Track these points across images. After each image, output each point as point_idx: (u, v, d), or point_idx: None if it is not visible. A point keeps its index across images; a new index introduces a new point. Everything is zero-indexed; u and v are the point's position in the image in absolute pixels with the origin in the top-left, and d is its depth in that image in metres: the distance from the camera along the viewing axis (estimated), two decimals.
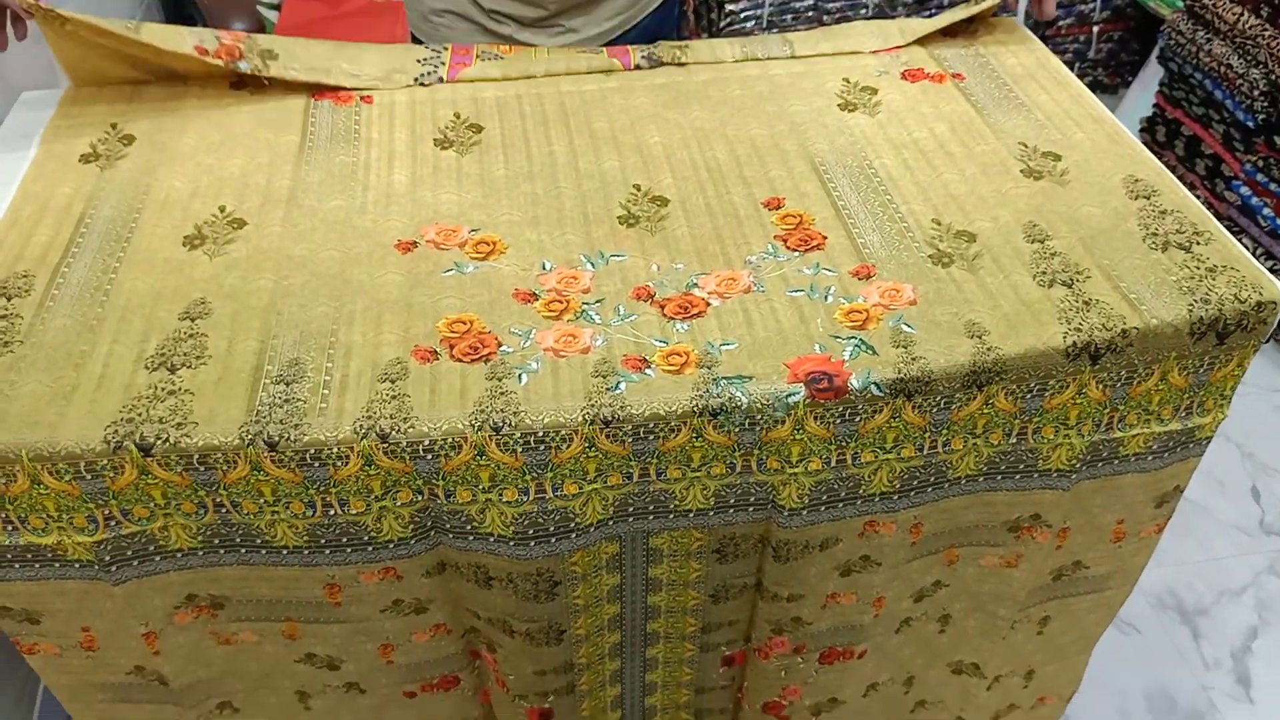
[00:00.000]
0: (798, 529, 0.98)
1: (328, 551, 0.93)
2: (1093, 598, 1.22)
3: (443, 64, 1.30)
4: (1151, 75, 2.82)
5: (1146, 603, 1.97)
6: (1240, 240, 2.31)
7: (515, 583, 0.96)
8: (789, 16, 2.86)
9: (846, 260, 1.03)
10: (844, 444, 0.93)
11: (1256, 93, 2.10)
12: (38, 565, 0.92)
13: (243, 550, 0.94)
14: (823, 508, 0.97)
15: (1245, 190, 2.20)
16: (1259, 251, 2.30)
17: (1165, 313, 0.97)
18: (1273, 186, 2.17)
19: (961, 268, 1.03)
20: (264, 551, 0.94)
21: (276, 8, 2.69)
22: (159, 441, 0.87)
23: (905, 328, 0.96)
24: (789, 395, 0.90)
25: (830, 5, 2.87)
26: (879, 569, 1.06)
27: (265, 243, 1.05)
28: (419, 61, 1.30)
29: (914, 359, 0.93)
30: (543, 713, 1.13)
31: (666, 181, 1.14)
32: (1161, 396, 1.02)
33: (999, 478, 1.03)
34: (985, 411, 0.96)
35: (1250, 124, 2.15)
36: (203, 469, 0.87)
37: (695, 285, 1.01)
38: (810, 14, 2.87)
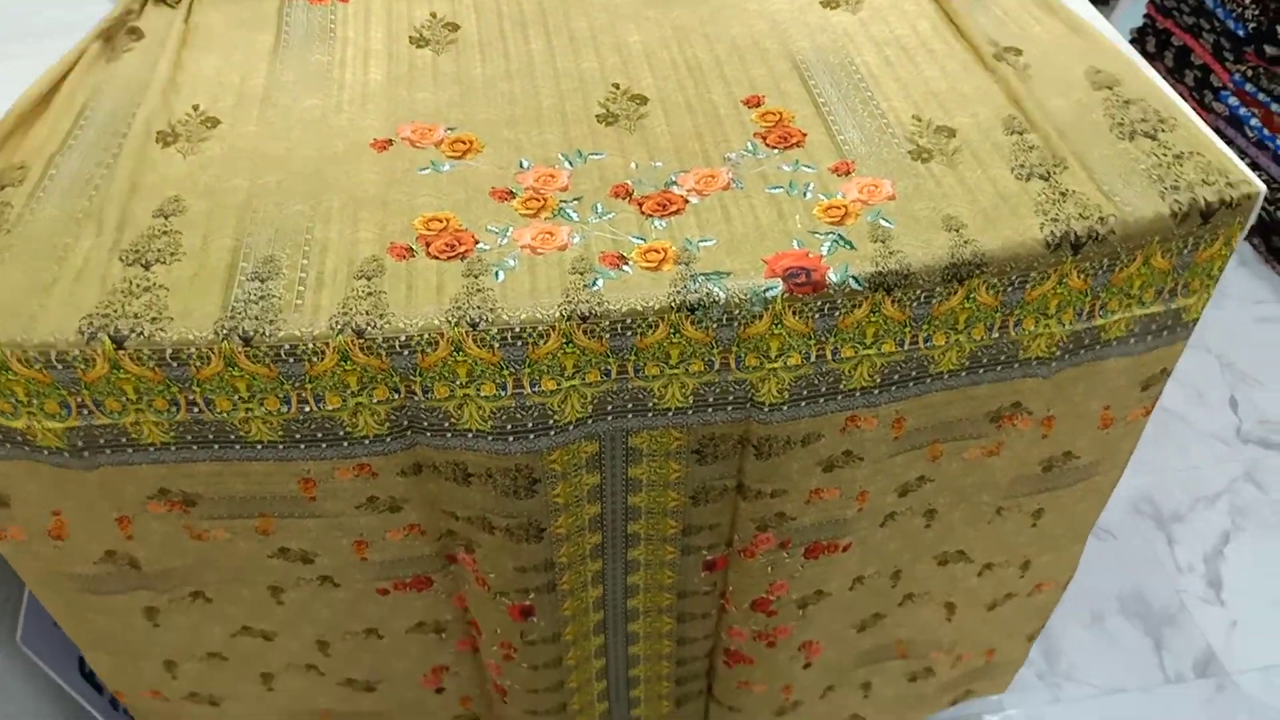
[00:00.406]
0: (778, 424, 0.97)
1: (303, 446, 0.93)
2: (1082, 486, 1.23)
3: None
4: None
5: (1123, 509, 2.01)
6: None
7: (494, 478, 0.96)
8: None
9: (826, 157, 1.02)
10: (823, 339, 0.93)
11: (1248, 0, 2.08)
12: (9, 446, 0.92)
13: (216, 446, 0.93)
14: (803, 403, 0.97)
15: (1234, 101, 2.19)
16: (1246, 162, 2.29)
17: (1139, 201, 0.97)
18: (1260, 96, 2.16)
19: (941, 163, 1.02)
20: (238, 447, 0.94)
21: None
22: (133, 335, 0.87)
23: (884, 222, 0.96)
24: (767, 290, 0.90)
25: None
26: (861, 464, 1.06)
27: (241, 142, 1.04)
28: None
29: (892, 253, 0.93)
30: (524, 609, 1.13)
31: (646, 81, 1.12)
32: (1144, 280, 1.02)
33: (981, 371, 1.03)
34: (967, 306, 0.96)
35: (1240, 33, 2.14)
36: (175, 364, 0.87)
37: (674, 183, 1.00)
38: None
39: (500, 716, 1.37)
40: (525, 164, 1.02)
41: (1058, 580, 1.41)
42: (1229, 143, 2.41)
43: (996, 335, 1.00)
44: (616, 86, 1.13)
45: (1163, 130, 1.06)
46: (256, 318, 0.88)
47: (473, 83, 1.13)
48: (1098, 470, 1.21)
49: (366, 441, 0.94)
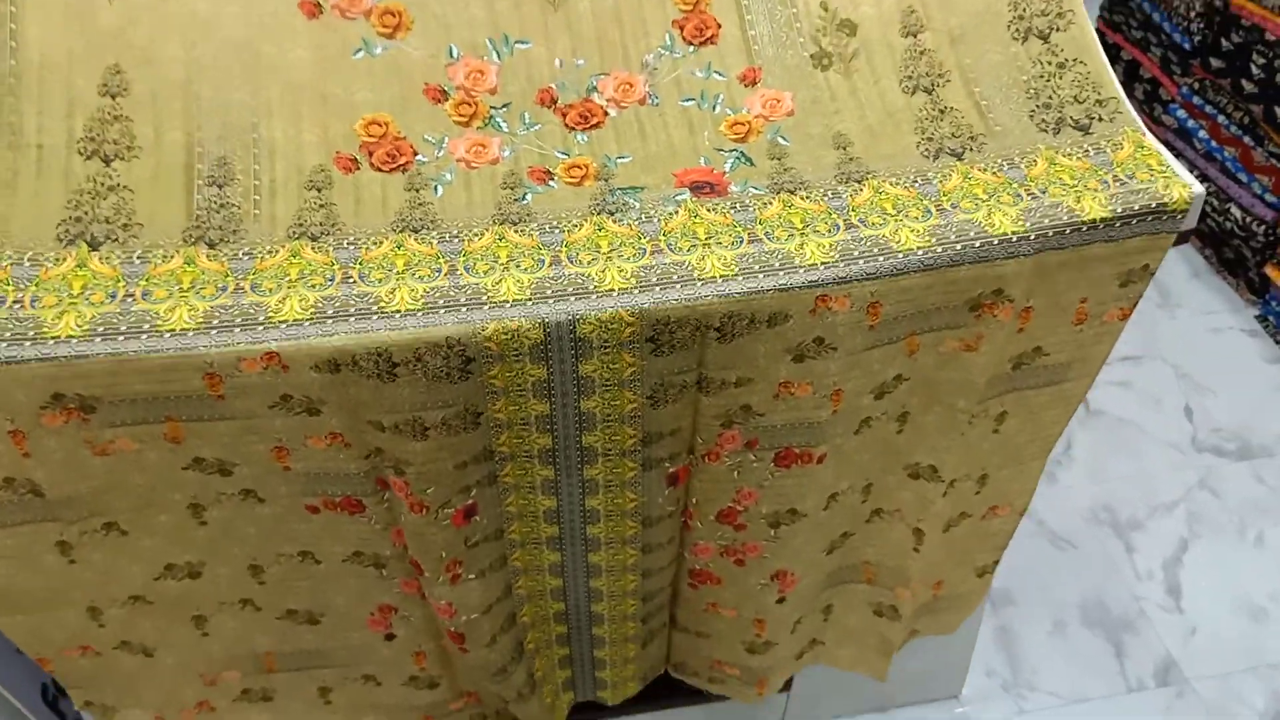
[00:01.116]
0: (739, 300, 0.97)
1: (214, 333, 0.93)
2: (1051, 390, 1.21)
3: None
4: None
5: (1082, 518, 2.05)
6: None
7: (423, 362, 0.95)
8: None
9: (736, 61, 1.13)
10: (750, 227, 1.02)
11: (1193, 14, 2.10)
12: None
13: (120, 339, 0.92)
14: (760, 276, 0.98)
15: (1182, 113, 2.23)
16: (1195, 173, 2.35)
17: (1009, 119, 1.10)
18: (1208, 109, 2.20)
19: (838, 71, 1.13)
20: (144, 338, 0.92)
21: None
22: (108, 241, 0.96)
23: (781, 140, 1.09)
24: (677, 195, 1.04)
25: None
26: (835, 355, 1.03)
27: None
28: None
29: (786, 169, 1.07)
30: (466, 509, 1.08)
31: None
32: (1070, 174, 1.07)
33: (958, 247, 1.02)
34: (882, 197, 1.05)
35: (1187, 46, 2.15)
36: (139, 263, 0.97)
37: (595, 89, 1.09)
38: None
39: (459, 673, 1.33)
40: (455, 52, 1.10)
41: (1013, 505, 1.37)
42: (1178, 155, 2.48)
43: (936, 216, 1.04)
44: None
45: (1057, 30, 1.14)
46: (220, 227, 0.99)
47: None
48: (1068, 374, 1.20)
49: (282, 325, 0.93)
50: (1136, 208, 1.04)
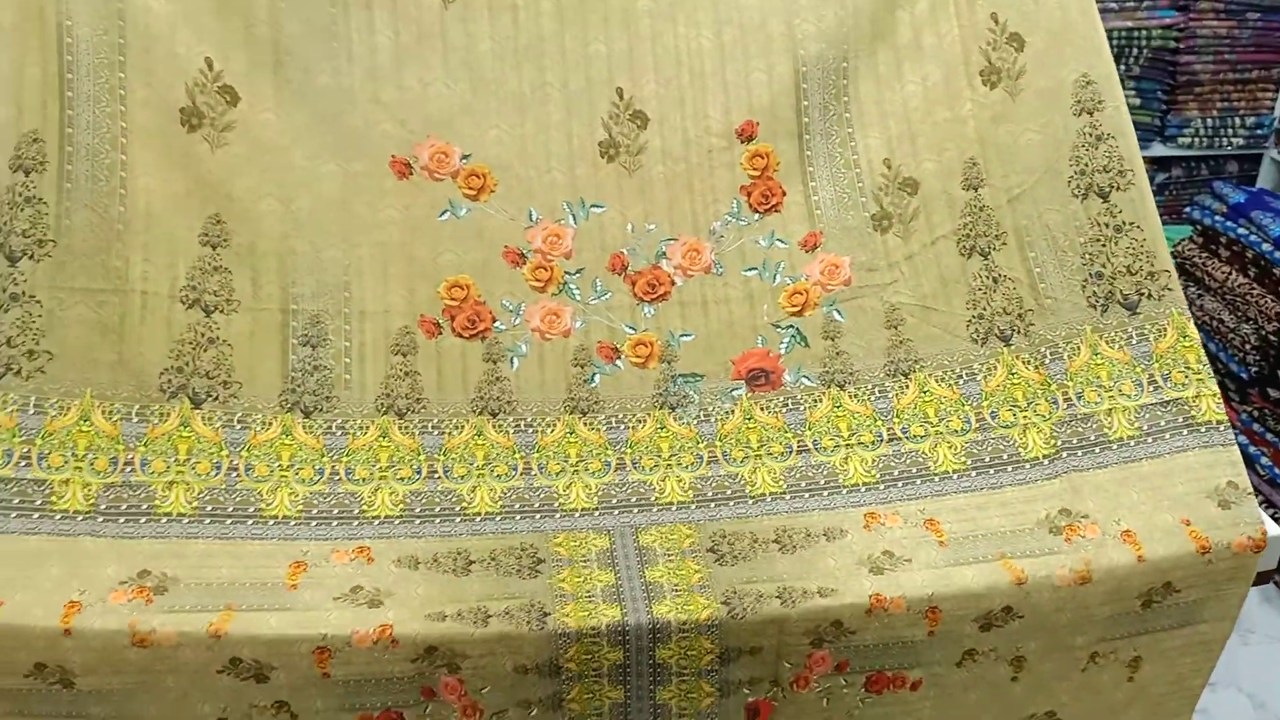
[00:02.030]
0: (786, 516, 1.07)
1: (313, 525, 1.05)
2: (1186, 632, 1.12)
3: None
4: None
5: None
6: None
7: (497, 560, 1.04)
8: None
9: (799, 227, 1.21)
10: (800, 432, 1.13)
11: (1248, 346, 2.11)
12: (16, 515, 1.00)
13: (228, 521, 1.04)
14: (805, 495, 1.09)
15: (1243, 439, 2.20)
16: (1260, 500, 2.24)
17: (1060, 290, 1.17)
18: (1269, 436, 2.18)
19: (897, 233, 1.20)
20: (249, 523, 1.04)
21: None
22: (209, 399, 1.06)
23: (836, 315, 1.16)
24: (733, 390, 1.13)
25: None
26: (912, 566, 1.04)
27: (262, 134, 1.15)
28: None
29: (838, 353, 1.15)
30: None
31: (649, 89, 1.22)
32: (1109, 370, 1.15)
33: (991, 472, 1.11)
34: (926, 398, 1.15)
35: (1244, 375, 2.14)
36: (239, 428, 1.07)
37: (664, 255, 1.17)
38: None
39: None
40: (534, 215, 1.16)
41: None
42: None
43: (978, 429, 1.13)
44: (620, 94, 1.21)
45: (1117, 189, 1.18)
46: (314, 392, 1.09)
47: (482, 66, 1.21)
48: (1203, 614, 1.11)
49: (376, 522, 1.06)
50: (1163, 424, 1.11)
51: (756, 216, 1.21)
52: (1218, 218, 2.10)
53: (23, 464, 1.03)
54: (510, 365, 1.13)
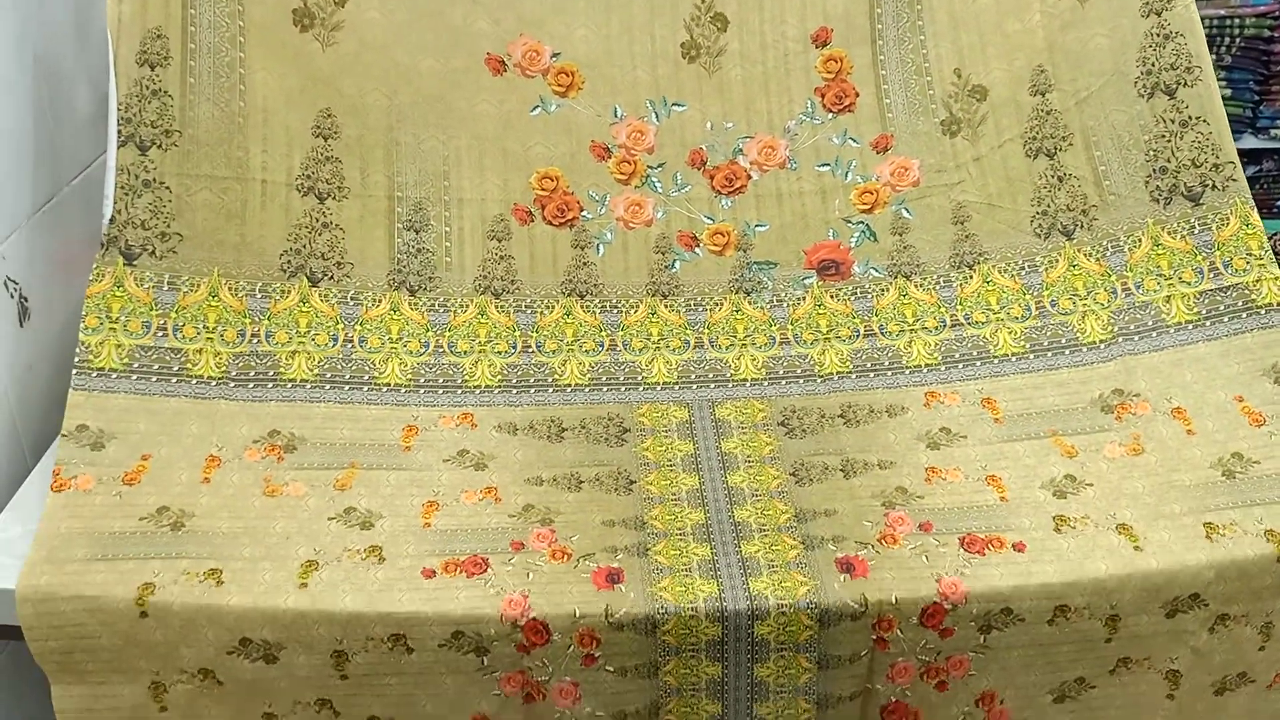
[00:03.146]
0: (851, 394, 1.17)
1: (422, 392, 1.17)
2: None
3: None
4: None
5: None
6: None
7: (587, 429, 1.16)
8: None
9: (871, 129, 1.28)
10: (867, 319, 1.22)
11: None
12: (159, 379, 1.12)
13: (345, 388, 1.16)
14: (871, 375, 1.20)
15: None
16: None
17: (1124, 186, 1.23)
18: None
19: (966, 137, 1.26)
20: (365, 389, 1.17)
21: None
22: (324, 278, 1.17)
23: (905, 213, 1.24)
24: (805, 278, 1.20)
25: None
26: (968, 442, 1.12)
27: (367, 33, 1.24)
28: None
29: (905, 247, 1.23)
30: (610, 573, 1.00)
31: None
32: (1170, 260, 1.22)
33: (1050, 355, 1.19)
34: (989, 288, 1.23)
35: None
36: (352, 304, 1.19)
37: (740, 151, 1.24)
38: None
39: None
40: (619, 112, 1.24)
41: None
42: None
43: (1037, 317, 1.22)
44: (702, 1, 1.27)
45: (1184, 84, 1.24)
46: (418, 272, 1.19)
47: None
48: None
49: (478, 391, 1.18)
50: (1221, 309, 1.18)
51: (830, 115, 1.28)
52: None
53: (160, 334, 1.14)
54: (596, 252, 1.23)
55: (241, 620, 0.96)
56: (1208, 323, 1.19)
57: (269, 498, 1.07)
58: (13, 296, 1.18)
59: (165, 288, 1.16)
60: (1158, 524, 1.04)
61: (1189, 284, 1.21)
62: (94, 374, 1.10)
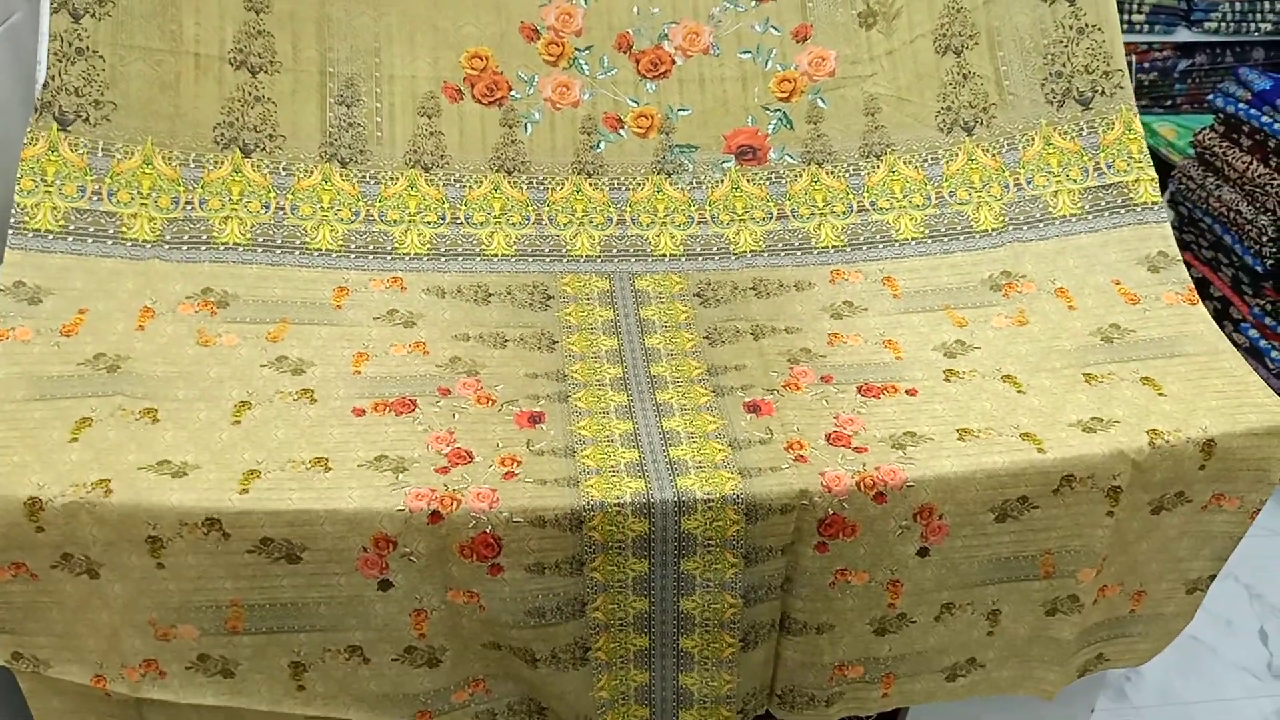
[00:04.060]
0: (763, 269, 1.26)
1: (352, 257, 1.22)
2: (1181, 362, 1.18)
3: None
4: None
5: None
6: None
7: (512, 294, 1.23)
8: None
9: (792, 17, 1.34)
10: (780, 203, 1.29)
11: (1265, 238, 2.09)
12: (95, 240, 1.16)
13: (277, 251, 1.21)
14: (781, 253, 1.27)
15: (1253, 333, 2.19)
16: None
17: (1022, 87, 1.31)
18: (1279, 329, 2.16)
19: (881, 30, 1.32)
20: (296, 253, 1.21)
21: None
22: (256, 149, 1.20)
23: (820, 103, 1.29)
24: (723, 162, 1.26)
25: None
26: (869, 314, 1.22)
27: None
28: None
29: (819, 135, 1.28)
30: (533, 415, 1.08)
31: None
32: (1059, 158, 1.32)
33: (947, 240, 1.28)
34: (894, 177, 1.31)
35: (1259, 268, 2.15)
36: (284, 174, 1.23)
37: (665, 36, 1.30)
38: None
39: (470, 643, 1.09)
40: None
41: (1244, 498, 1.17)
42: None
43: (936, 205, 1.30)
44: None
45: None
46: (349, 146, 1.23)
47: None
48: (1179, 348, 1.19)
49: (407, 258, 1.23)
50: (1103, 204, 1.29)
51: (753, 3, 1.33)
52: (1241, 105, 2.11)
53: (95, 198, 1.17)
54: (524, 130, 1.27)
55: (172, 450, 0.99)
56: (1090, 216, 1.29)
57: (202, 346, 1.11)
58: None
59: (100, 154, 1.19)
60: (1039, 375, 1.14)
61: (1075, 181, 1.31)
62: (29, 234, 1.13)
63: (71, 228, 1.15)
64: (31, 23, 1.24)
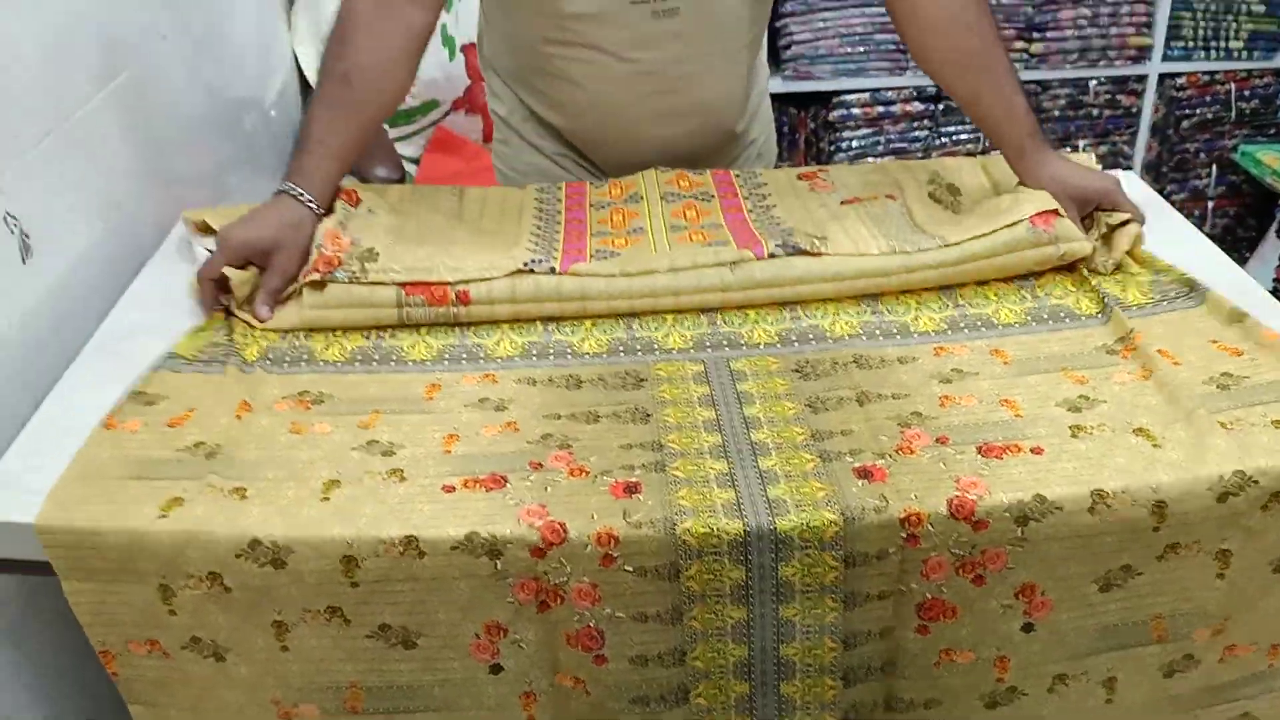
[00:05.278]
0: (864, 348, 1.22)
1: (446, 362, 1.24)
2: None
3: (555, 257, 1.33)
4: (1270, 250, 2.98)
5: None
6: None
7: (605, 380, 1.20)
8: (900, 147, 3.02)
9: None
10: (874, 302, 1.28)
11: None
12: (216, 364, 1.21)
13: (374, 364, 1.23)
14: (880, 338, 1.23)
15: None
16: None
17: None
18: None
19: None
20: (393, 364, 1.20)
21: (416, 161, 2.83)
22: None
23: None
24: None
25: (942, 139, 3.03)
26: (978, 378, 1.18)
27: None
28: (528, 257, 1.32)
29: None
30: (628, 485, 1.04)
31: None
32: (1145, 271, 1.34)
33: (1048, 323, 1.26)
34: (987, 286, 1.31)
35: None
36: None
37: None
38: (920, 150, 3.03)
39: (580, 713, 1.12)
40: None
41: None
42: None
43: (1033, 302, 1.28)
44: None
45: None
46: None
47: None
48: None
49: (500, 360, 1.24)
50: (1173, 294, 1.30)
51: None
52: None
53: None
54: None
55: (255, 525, 0.99)
56: (1164, 302, 1.29)
57: (295, 434, 1.11)
58: (13, 233, 1.20)
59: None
60: (1173, 426, 1.08)
61: (1138, 277, 1.33)
62: (168, 358, 1.21)
63: (204, 357, 1.23)
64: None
